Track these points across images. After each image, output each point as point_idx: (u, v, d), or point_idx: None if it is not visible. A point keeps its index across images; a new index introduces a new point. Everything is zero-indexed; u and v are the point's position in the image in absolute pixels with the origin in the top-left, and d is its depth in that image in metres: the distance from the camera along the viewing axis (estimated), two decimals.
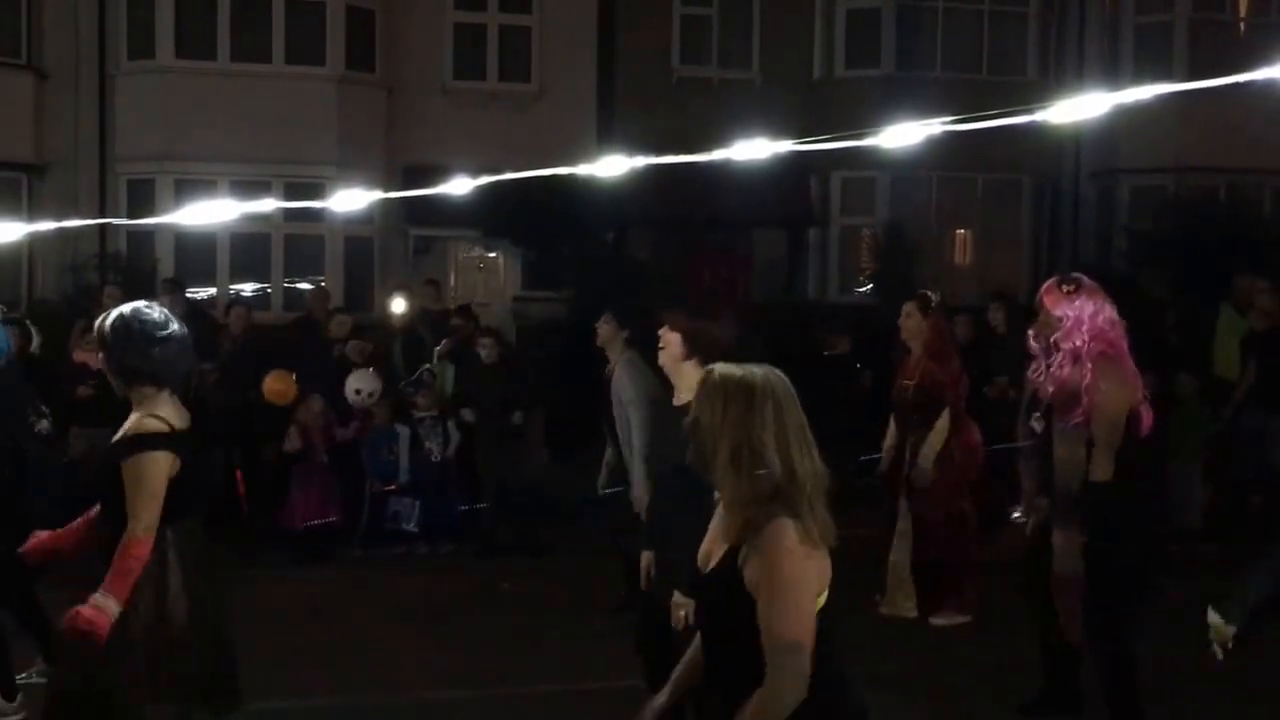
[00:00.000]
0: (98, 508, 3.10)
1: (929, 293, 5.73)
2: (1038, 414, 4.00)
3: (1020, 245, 13.55)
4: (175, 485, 2.98)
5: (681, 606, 3.16)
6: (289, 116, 11.47)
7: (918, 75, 12.65)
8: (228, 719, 3.09)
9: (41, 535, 3.18)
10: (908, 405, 5.50)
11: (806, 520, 2.06)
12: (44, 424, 4.24)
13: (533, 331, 11.18)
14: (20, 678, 4.47)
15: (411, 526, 7.19)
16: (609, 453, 5.57)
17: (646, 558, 3.77)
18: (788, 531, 2.05)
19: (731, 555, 2.11)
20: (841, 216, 13.37)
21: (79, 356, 7.07)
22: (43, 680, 4.38)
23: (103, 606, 2.84)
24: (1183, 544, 6.45)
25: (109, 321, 3.05)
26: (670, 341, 3.75)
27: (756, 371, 2.13)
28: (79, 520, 3.20)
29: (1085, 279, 3.98)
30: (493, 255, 13.04)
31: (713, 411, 2.10)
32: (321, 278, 11.50)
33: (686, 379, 3.64)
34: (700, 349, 3.68)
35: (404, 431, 7.31)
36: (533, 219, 10.87)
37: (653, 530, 3.81)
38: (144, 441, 2.94)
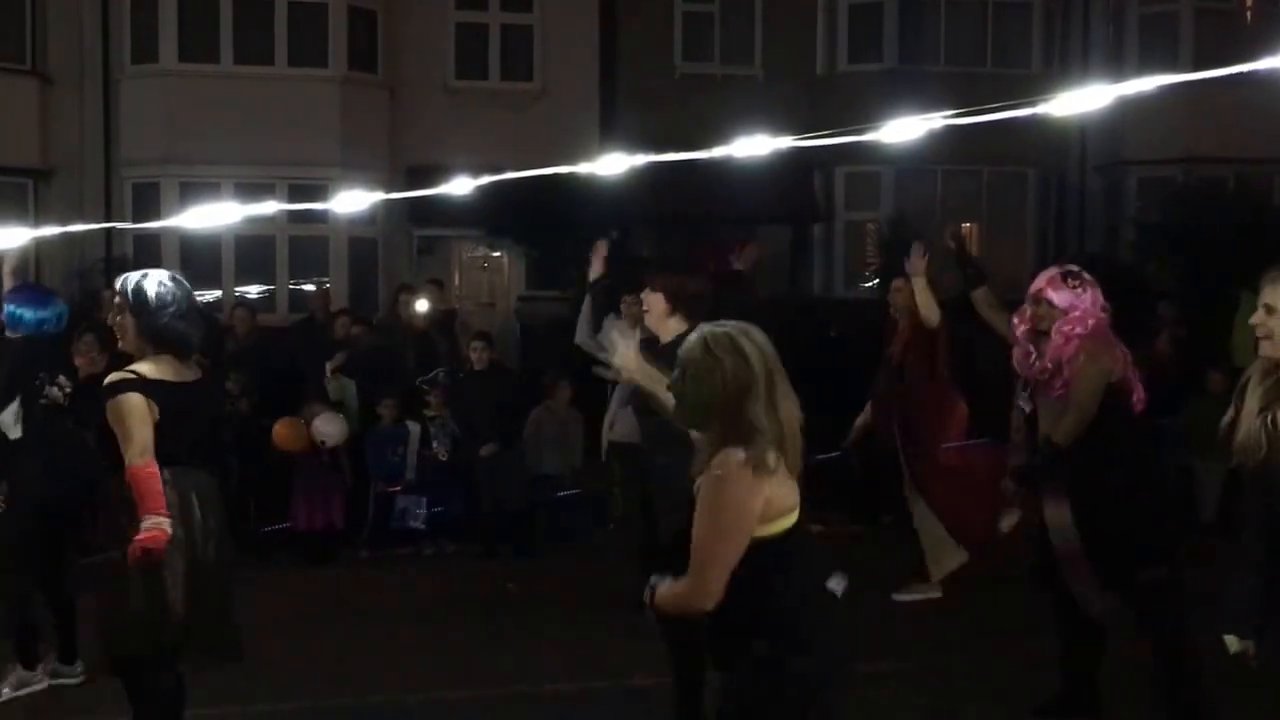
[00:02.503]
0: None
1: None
2: (1026, 393, 4.04)
3: (1026, 238, 13.50)
4: (158, 431, 3.11)
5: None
6: (292, 118, 11.48)
7: (921, 69, 12.61)
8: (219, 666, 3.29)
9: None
10: (892, 371, 5.61)
11: (759, 448, 2.21)
12: (53, 391, 4.27)
13: (538, 330, 11.19)
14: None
15: (419, 524, 7.19)
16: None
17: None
18: (732, 456, 2.21)
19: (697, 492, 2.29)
20: (846, 211, 13.34)
21: (78, 360, 7.09)
22: (54, 681, 4.42)
23: (151, 525, 3.02)
24: (1201, 539, 6.41)
25: (129, 283, 3.20)
26: (653, 301, 3.82)
27: (736, 327, 2.32)
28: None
29: (1084, 272, 4.01)
30: (497, 255, 13.04)
31: (690, 365, 2.29)
32: (326, 279, 11.52)
33: (669, 330, 3.74)
34: (682, 304, 3.75)
35: (414, 429, 7.30)
36: (536, 218, 10.86)
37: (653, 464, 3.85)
38: (113, 388, 3.15)
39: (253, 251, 11.74)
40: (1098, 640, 4.03)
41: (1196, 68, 2.76)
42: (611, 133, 12.41)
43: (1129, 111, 11.39)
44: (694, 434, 2.37)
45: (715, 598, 2.22)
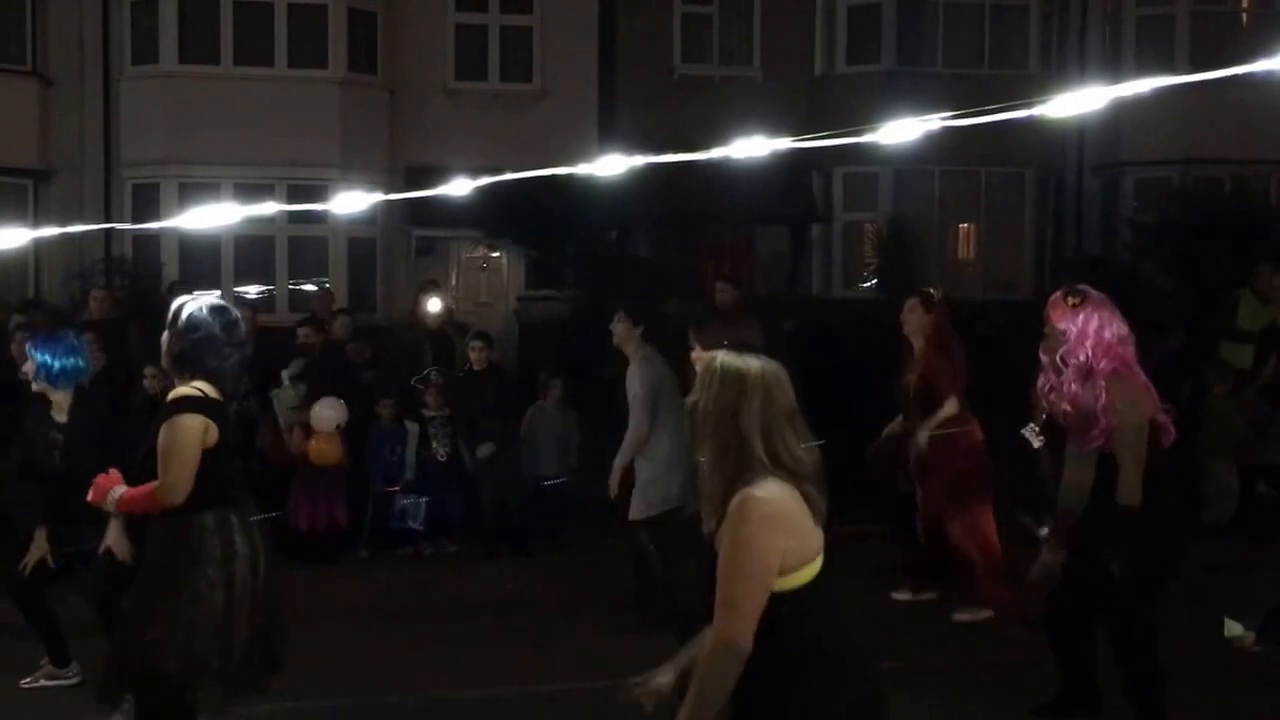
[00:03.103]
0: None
1: (931, 289, 5.72)
2: (1034, 426, 3.91)
3: (1024, 239, 13.53)
4: (211, 457, 3.04)
5: None
6: (292, 119, 11.50)
7: (919, 70, 12.65)
8: (244, 702, 3.24)
9: (103, 479, 3.24)
10: (910, 400, 5.50)
11: (785, 487, 2.16)
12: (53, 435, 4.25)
13: (536, 330, 11.20)
14: (25, 682, 4.50)
15: (418, 525, 7.20)
16: None
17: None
18: (750, 498, 2.15)
19: (717, 526, 2.23)
20: (845, 212, 13.37)
21: None
22: (51, 683, 4.43)
23: (110, 493, 3.07)
24: (1214, 541, 6.42)
25: (187, 308, 3.16)
26: (701, 359, 3.73)
27: (752, 361, 2.26)
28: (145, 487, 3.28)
29: (1092, 291, 3.80)
30: (496, 255, 13.06)
31: (707, 394, 2.24)
32: (325, 279, 11.53)
33: None
34: (698, 328, 3.71)
35: (413, 429, 7.31)
36: (535, 218, 10.88)
37: None
38: (178, 405, 3.06)
39: (252, 252, 11.75)
40: (1087, 639, 4.02)
41: (1193, 69, 2.77)
42: (610, 134, 12.43)
43: (1126, 113, 11.43)
44: (706, 479, 2.28)
45: (747, 638, 2.12)
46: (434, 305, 8.54)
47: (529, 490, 7.21)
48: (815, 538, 2.20)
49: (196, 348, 3.10)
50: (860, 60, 13.09)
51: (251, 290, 11.63)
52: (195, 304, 3.18)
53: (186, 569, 3.03)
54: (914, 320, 5.47)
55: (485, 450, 7.05)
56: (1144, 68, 11.96)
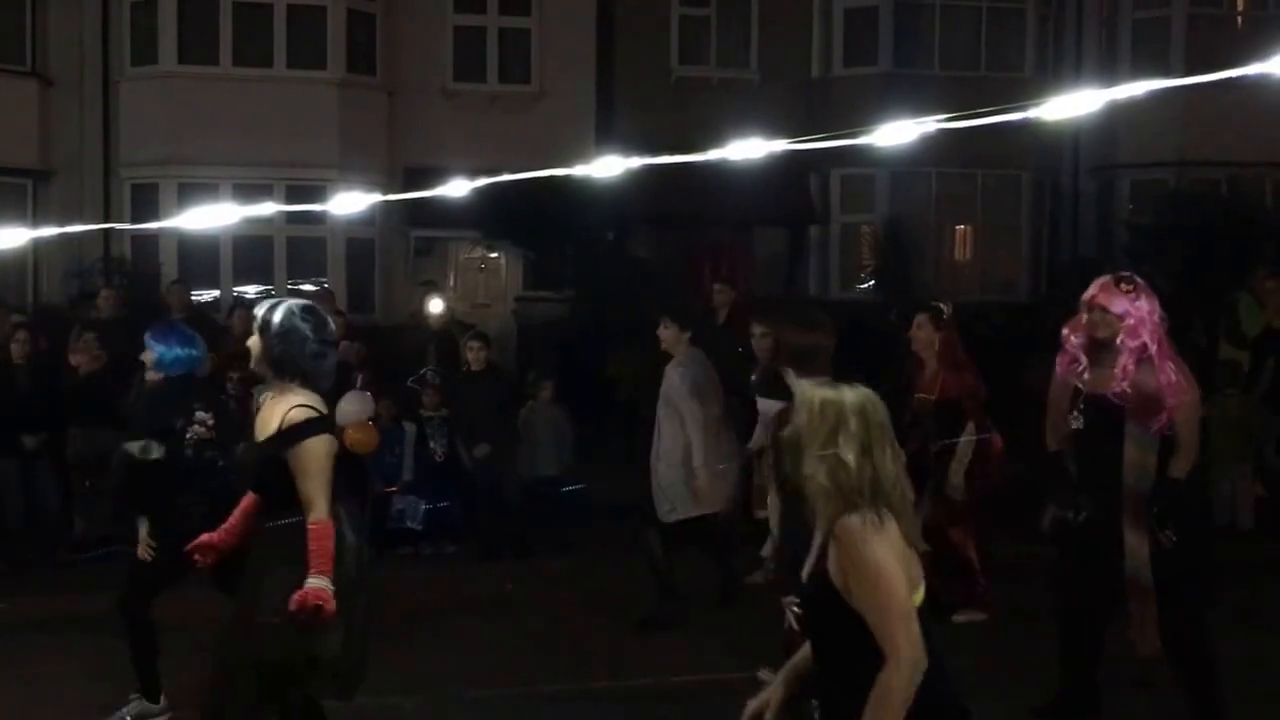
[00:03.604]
0: (250, 501, 3.29)
1: (941, 304, 5.65)
2: (1077, 411, 3.91)
3: (1020, 241, 13.58)
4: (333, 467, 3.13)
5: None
6: (291, 120, 11.51)
7: (916, 73, 12.68)
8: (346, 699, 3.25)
9: (205, 537, 3.33)
10: (929, 419, 5.43)
11: (877, 510, 2.22)
12: (197, 429, 4.25)
13: (535, 331, 11.22)
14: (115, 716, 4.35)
15: (416, 525, 7.22)
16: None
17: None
18: (859, 523, 2.21)
19: (820, 559, 2.29)
20: (842, 214, 13.40)
21: (74, 359, 7.13)
22: (139, 717, 4.31)
23: (323, 587, 3.03)
24: (1236, 545, 6.44)
25: (277, 312, 3.21)
26: (761, 345, 3.72)
27: (847, 390, 2.33)
28: (233, 517, 3.36)
29: (1139, 279, 3.91)
30: (494, 256, 13.08)
31: (806, 424, 2.31)
32: (324, 279, 11.55)
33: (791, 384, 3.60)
34: (794, 357, 3.61)
35: (410, 429, 7.33)
36: (534, 219, 10.90)
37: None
38: (303, 430, 3.12)
39: (251, 252, 11.76)
40: (1098, 639, 4.03)
41: (1188, 73, 2.80)
42: (609, 135, 12.46)
43: (1122, 116, 11.47)
44: (811, 507, 2.34)
45: (921, 648, 2.17)
46: (436, 306, 8.56)
47: (526, 490, 7.24)
48: (917, 565, 2.27)
49: (291, 351, 3.17)
50: (857, 63, 13.13)
51: (250, 290, 11.64)
52: (284, 307, 3.24)
53: (297, 566, 3.07)
54: (923, 337, 5.43)
55: (482, 451, 7.07)
56: (1140, 71, 12.00)
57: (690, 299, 9.02)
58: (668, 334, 5.49)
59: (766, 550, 5.68)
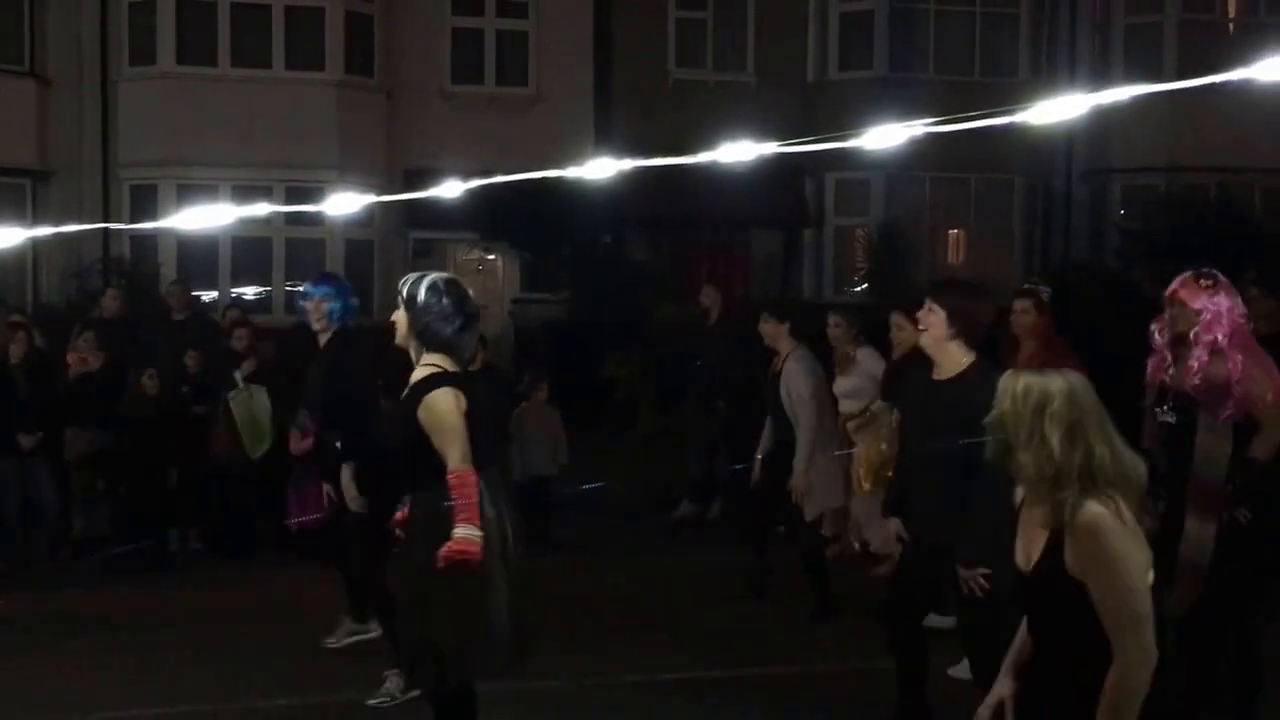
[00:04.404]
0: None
1: (1040, 288, 5.66)
2: (1167, 406, 3.91)
3: (1012, 244, 13.67)
4: (467, 421, 3.15)
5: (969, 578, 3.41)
6: (290, 121, 11.55)
7: (911, 77, 12.77)
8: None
9: (401, 515, 3.36)
10: None
11: (1113, 503, 2.19)
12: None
13: (532, 332, 11.27)
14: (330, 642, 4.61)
15: None
16: (768, 442, 5.61)
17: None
18: (1099, 512, 2.17)
19: (1052, 542, 2.23)
20: (836, 217, 13.48)
21: (72, 358, 7.16)
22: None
23: (467, 536, 3.05)
24: None
25: (421, 287, 3.29)
26: (933, 322, 3.66)
27: (1055, 376, 2.29)
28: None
29: (1220, 275, 3.94)
30: (491, 258, 13.13)
31: (1010, 410, 2.27)
32: None
33: (950, 358, 3.62)
34: (963, 329, 3.62)
35: None
36: (531, 221, 10.96)
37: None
38: (424, 385, 3.19)
39: (250, 253, 11.79)
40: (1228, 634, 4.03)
41: (1180, 78, 2.84)
42: (606, 138, 12.52)
43: (1114, 121, 11.57)
44: (1025, 489, 2.30)
45: (1155, 651, 2.13)
46: None
47: (520, 489, 7.28)
48: (1146, 546, 2.23)
49: (434, 323, 3.25)
50: (853, 66, 13.21)
51: (249, 292, 11.67)
52: (425, 281, 3.32)
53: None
54: (1026, 322, 5.35)
55: None
56: (1133, 76, 12.09)
57: (686, 300, 9.09)
58: (768, 328, 5.53)
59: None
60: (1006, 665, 2.43)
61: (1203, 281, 3.89)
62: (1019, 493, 2.34)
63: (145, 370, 6.90)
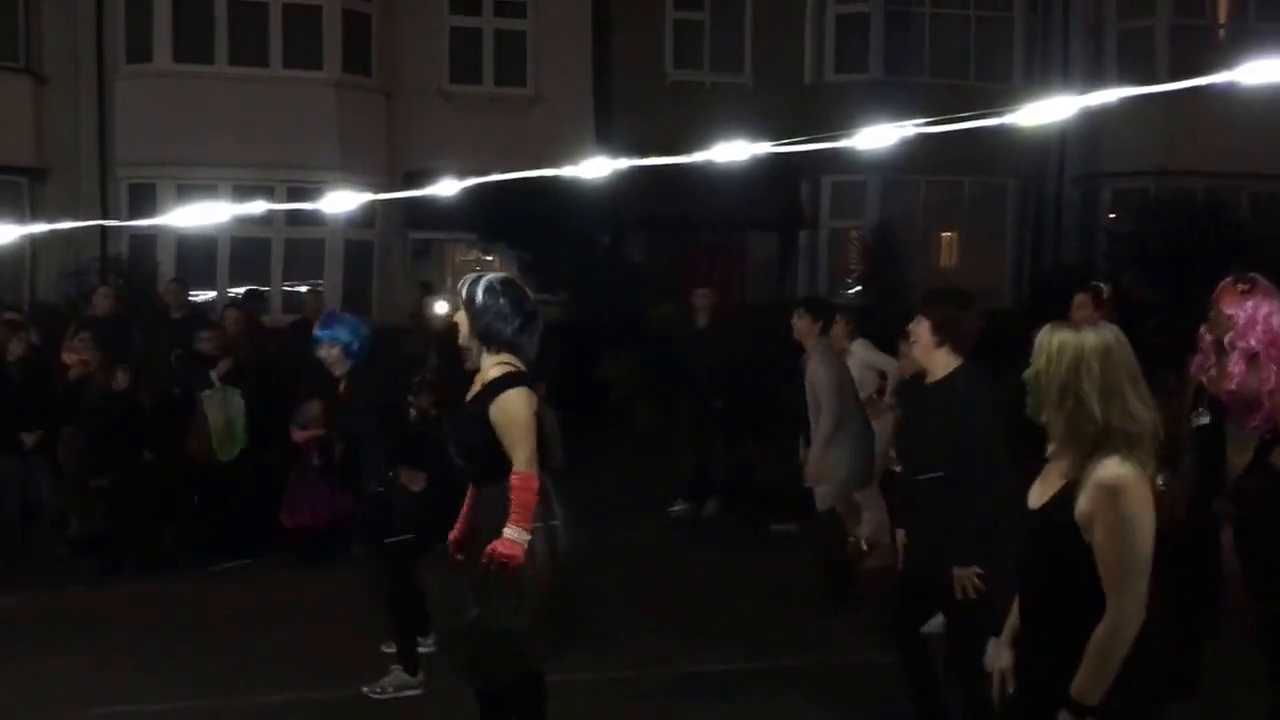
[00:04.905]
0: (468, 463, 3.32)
1: (1101, 284, 5.69)
2: (1202, 409, 3.93)
3: (1004, 246, 13.75)
4: (536, 421, 3.19)
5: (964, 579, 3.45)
6: (288, 120, 11.55)
7: (906, 80, 12.85)
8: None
9: (454, 535, 3.40)
10: None
11: (1135, 458, 2.21)
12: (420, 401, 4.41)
13: None
14: (373, 693, 4.49)
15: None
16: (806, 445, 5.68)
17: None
18: (1123, 473, 2.18)
19: (1065, 492, 2.25)
20: (831, 219, 13.55)
21: (67, 357, 7.18)
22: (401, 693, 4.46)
23: (514, 538, 3.09)
24: None
25: (479, 288, 3.32)
26: (920, 332, 3.74)
27: (1090, 331, 2.30)
28: (466, 504, 3.41)
29: (1261, 279, 3.89)
30: (489, 258, 13.17)
31: (1047, 364, 2.28)
32: (321, 281, 11.60)
33: (939, 364, 3.69)
34: (948, 337, 3.68)
35: None
36: (529, 222, 11.00)
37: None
38: (498, 384, 3.22)
39: (248, 253, 11.80)
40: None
41: (1172, 82, 2.89)
42: (604, 138, 12.57)
43: (1107, 124, 11.65)
44: (1054, 443, 2.31)
45: (1141, 618, 2.17)
46: (439, 308, 8.59)
47: None
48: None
49: (494, 323, 3.28)
50: (848, 69, 13.29)
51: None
52: (484, 282, 3.34)
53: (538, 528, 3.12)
54: (1084, 317, 5.34)
55: None
56: (1126, 80, 12.17)
57: (683, 301, 9.14)
58: (801, 324, 5.59)
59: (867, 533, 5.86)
60: (1004, 638, 2.45)
61: (1240, 286, 3.86)
62: (1049, 449, 2.34)
63: (120, 365, 6.87)
